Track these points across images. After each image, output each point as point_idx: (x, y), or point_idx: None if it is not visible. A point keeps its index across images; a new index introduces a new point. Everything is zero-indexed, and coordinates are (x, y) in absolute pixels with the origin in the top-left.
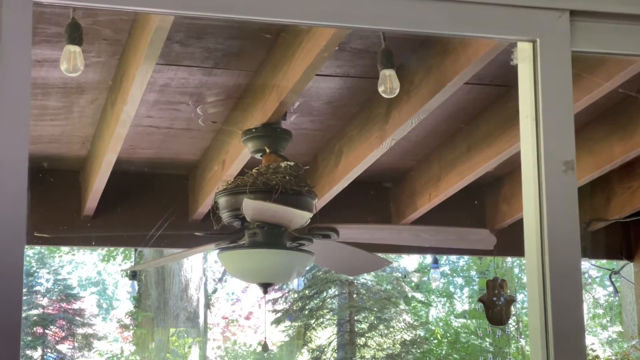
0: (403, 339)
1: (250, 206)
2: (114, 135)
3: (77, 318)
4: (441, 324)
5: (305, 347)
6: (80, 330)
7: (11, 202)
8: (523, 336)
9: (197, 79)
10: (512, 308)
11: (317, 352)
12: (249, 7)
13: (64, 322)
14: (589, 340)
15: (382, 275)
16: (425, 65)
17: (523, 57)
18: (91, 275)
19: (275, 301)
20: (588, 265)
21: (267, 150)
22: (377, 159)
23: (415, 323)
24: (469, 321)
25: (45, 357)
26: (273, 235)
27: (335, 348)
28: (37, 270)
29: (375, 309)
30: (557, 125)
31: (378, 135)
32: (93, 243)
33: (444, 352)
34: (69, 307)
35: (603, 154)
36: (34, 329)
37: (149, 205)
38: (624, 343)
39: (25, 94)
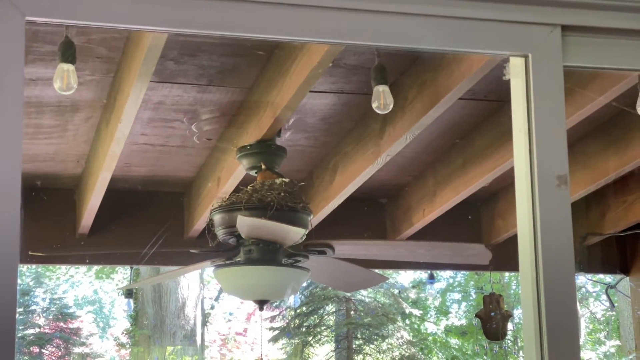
0: (401, 355)
1: (245, 223)
2: (108, 153)
3: (73, 337)
4: (439, 340)
5: None
6: (77, 350)
7: (5, 221)
8: (521, 351)
9: (192, 96)
10: (510, 323)
11: None
12: (242, 24)
13: (60, 342)
14: (587, 355)
15: (379, 292)
16: (419, 81)
17: (515, 72)
18: (87, 294)
19: (272, 318)
20: (584, 280)
21: (262, 167)
22: (372, 175)
23: (413, 339)
24: (466, 337)
25: None
26: (268, 252)
27: None
28: (34, 289)
29: (372, 325)
30: (550, 140)
31: (373, 151)
32: (87, 261)
33: None
34: (66, 326)
35: (598, 168)
36: (31, 348)
37: (144, 223)
38: (622, 357)
39: (18, 113)
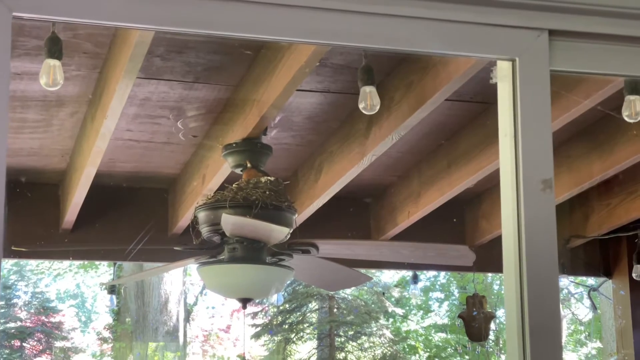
0: (383, 354)
1: (230, 221)
2: (93, 148)
3: (55, 331)
4: (421, 339)
5: None
6: (58, 344)
7: None
8: (503, 352)
9: (178, 93)
10: (492, 324)
11: None
12: (230, 24)
13: (42, 335)
14: (568, 356)
15: (363, 290)
16: (405, 82)
17: (502, 76)
18: (70, 288)
19: (255, 315)
20: (567, 282)
21: (248, 165)
22: (358, 175)
23: (395, 338)
24: (449, 336)
25: None
26: (252, 251)
27: None
28: (16, 283)
29: (355, 323)
30: (535, 144)
31: (358, 151)
32: (71, 257)
33: None
34: (47, 320)
35: (582, 172)
36: (12, 342)
37: (129, 219)
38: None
39: (3, 107)
